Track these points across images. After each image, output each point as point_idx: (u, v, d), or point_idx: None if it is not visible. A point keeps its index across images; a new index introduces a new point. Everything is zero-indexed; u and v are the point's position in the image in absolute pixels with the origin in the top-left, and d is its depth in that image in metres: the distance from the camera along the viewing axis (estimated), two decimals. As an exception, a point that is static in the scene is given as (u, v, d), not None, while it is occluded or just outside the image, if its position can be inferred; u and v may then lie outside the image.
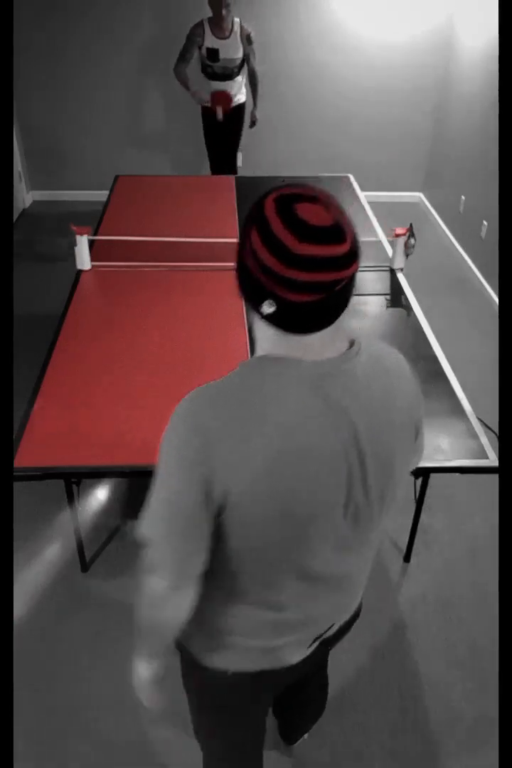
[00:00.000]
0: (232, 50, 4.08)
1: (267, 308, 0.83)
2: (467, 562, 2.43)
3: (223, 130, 4.42)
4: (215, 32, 4.02)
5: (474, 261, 4.44)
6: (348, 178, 3.90)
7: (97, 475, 1.81)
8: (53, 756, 1.83)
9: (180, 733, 1.78)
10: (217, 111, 4.18)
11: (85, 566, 2.32)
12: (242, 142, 4.67)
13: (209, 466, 0.84)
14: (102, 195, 3.82)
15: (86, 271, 2.75)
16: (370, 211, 3.45)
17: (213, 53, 4.05)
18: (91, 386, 2.07)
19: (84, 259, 2.74)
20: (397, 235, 2.80)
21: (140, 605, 0.99)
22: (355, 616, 1.22)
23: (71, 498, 2.11)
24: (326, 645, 1.18)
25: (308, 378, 0.86)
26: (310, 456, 0.86)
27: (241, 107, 4.43)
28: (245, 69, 4.30)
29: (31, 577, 2.27)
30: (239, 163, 4.83)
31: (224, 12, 3.91)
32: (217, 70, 4.13)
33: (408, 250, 2.81)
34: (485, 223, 4.20)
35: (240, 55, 4.14)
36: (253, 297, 0.85)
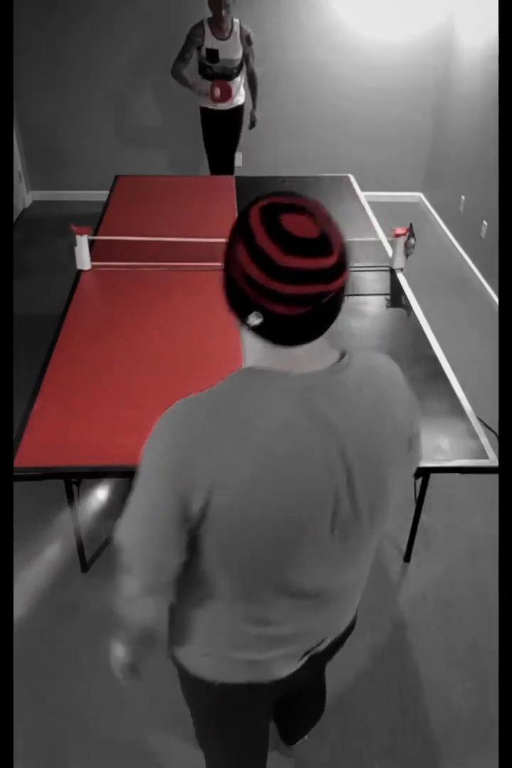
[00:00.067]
0: (231, 51, 4.08)
1: (254, 320, 0.82)
2: (467, 562, 2.43)
3: (222, 131, 4.42)
4: (215, 33, 4.02)
5: (474, 261, 4.44)
6: (348, 178, 3.90)
7: (97, 475, 1.81)
8: (53, 756, 1.83)
9: (183, 740, 1.78)
10: (213, 91, 4.11)
11: (85, 566, 2.32)
12: (242, 142, 4.68)
13: (186, 480, 0.82)
14: (102, 195, 3.83)
15: (86, 271, 2.75)
16: (370, 211, 3.45)
17: (213, 54, 4.05)
18: (91, 386, 2.07)
19: (84, 259, 2.74)
20: (397, 235, 2.80)
21: (117, 596, 1.01)
22: (349, 629, 1.20)
23: (71, 498, 2.11)
24: (318, 659, 1.16)
25: (294, 391, 0.84)
26: (293, 471, 0.84)
27: (240, 108, 4.43)
28: (244, 70, 4.30)
29: (31, 577, 2.27)
30: (238, 163, 4.83)
31: (224, 12, 3.90)
32: (217, 71, 4.13)
33: (408, 250, 2.81)
34: (485, 223, 4.20)
35: (239, 56, 4.14)
36: (239, 308, 0.84)
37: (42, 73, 4.86)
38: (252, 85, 4.42)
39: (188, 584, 1.00)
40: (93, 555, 2.37)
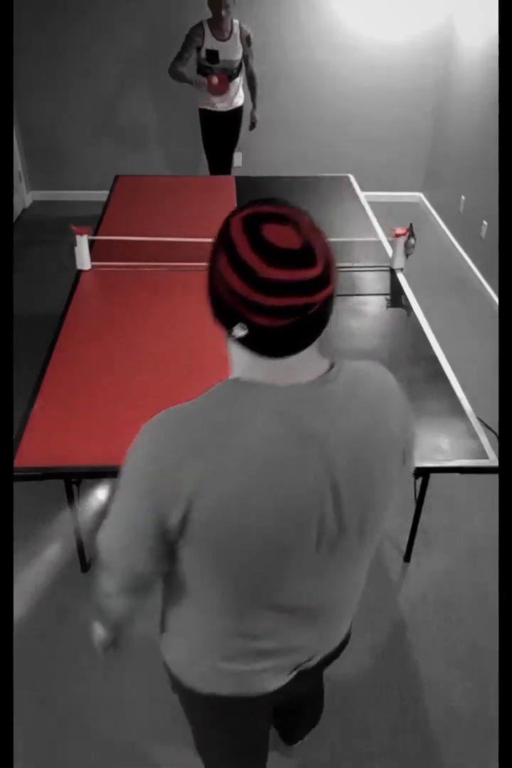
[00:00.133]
0: (231, 52, 4.08)
1: (239, 332, 0.80)
2: (467, 562, 2.43)
3: (221, 132, 4.42)
4: (215, 34, 4.02)
5: (474, 261, 4.44)
6: (348, 178, 3.90)
7: (97, 475, 1.81)
8: (53, 756, 1.83)
9: (182, 740, 1.78)
10: (211, 79, 4.08)
11: (85, 566, 2.32)
12: (242, 142, 4.68)
13: (163, 493, 0.81)
14: (102, 195, 3.83)
15: (86, 271, 2.75)
16: (370, 211, 3.45)
17: (213, 55, 4.05)
18: (91, 386, 2.07)
19: (84, 259, 2.74)
20: (397, 235, 2.80)
21: (95, 587, 1.02)
22: (341, 646, 1.18)
23: (71, 498, 2.11)
24: (308, 675, 1.13)
25: (277, 404, 0.82)
26: (275, 487, 0.82)
27: (239, 110, 4.43)
28: (243, 71, 4.30)
29: (31, 577, 2.27)
30: (238, 163, 4.83)
31: (224, 13, 3.90)
32: (216, 71, 4.13)
33: (408, 250, 2.81)
34: (485, 223, 4.20)
35: (239, 56, 4.14)
36: (224, 320, 0.82)
37: (42, 73, 4.86)
38: (251, 85, 4.42)
39: (174, 592, 1.00)
40: (93, 555, 2.37)
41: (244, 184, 3.76)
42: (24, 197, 5.24)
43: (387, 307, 2.59)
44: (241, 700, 1.08)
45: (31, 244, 4.68)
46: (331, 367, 0.88)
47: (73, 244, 2.69)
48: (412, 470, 1.05)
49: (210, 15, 4.00)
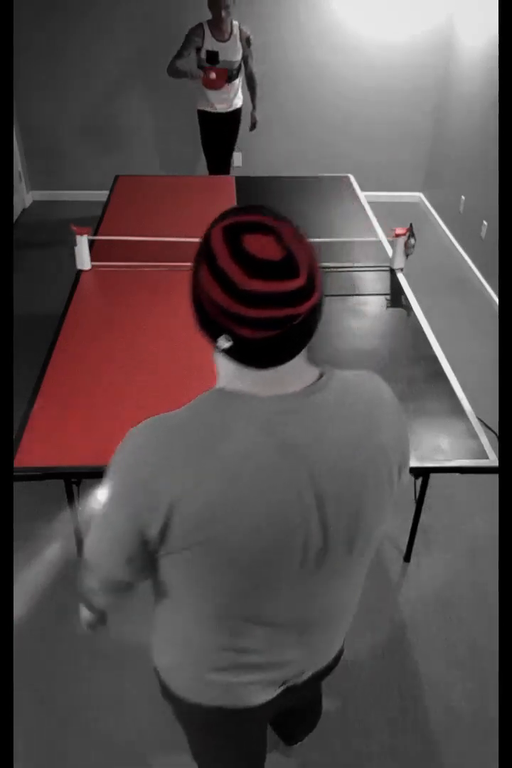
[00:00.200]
0: (231, 53, 4.08)
1: (224, 343, 0.79)
2: (467, 562, 2.43)
3: (220, 133, 4.42)
4: (215, 35, 4.02)
5: (474, 261, 4.44)
6: (348, 178, 3.90)
7: (97, 475, 1.80)
8: (53, 756, 1.83)
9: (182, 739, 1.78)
10: (209, 73, 4.08)
11: (85, 566, 2.31)
12: (242, 142, 4.68)
13: (143, 503, 0.81)
14: (102, 195, 3.83)
15: (86, 271, 2.75)
16: (370, 211, 3.45)
17: (213, 56, 4.05)
18: (91, 386, 2.07)
19: (84, 259, 2.74)
20: (397, 235, 2.80)
21: (79, 579, 1.02)
22: (332, 663, 1.16)
23: (71, 498, 2.11)
24: (297, 691, 1.11)
25: (260, 415, 0.80)
26: (256, 499, 0.80)
27: (238, 111, 4.43)
28: (243, 72, 4.30)
29: (31, 577, 2.27)
30: (238, 163, 4.83)
31: (223, 13, 3.90)
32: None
33: (408, 250, 2.81)
34: (485, 223, 4.20)
35: (239, 57, 4.14)
36: (208, 330, 0.81)
37: (42, 73, 4.86)
38: (251, 86, 4.42)
39: (161, 600, 0.99)
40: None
41: (243, 184, 3.76)
42: (24, 197, 5.24)
43: (387, 307, 2.59)
44: (229, 712, 1.07)
45: (31, 244, 4.68)
46: (321, 376, 0.87)
47: (73, 244, 2.69)
48: (406, 483, 1.03)
49: (210, 16, 4.00)
